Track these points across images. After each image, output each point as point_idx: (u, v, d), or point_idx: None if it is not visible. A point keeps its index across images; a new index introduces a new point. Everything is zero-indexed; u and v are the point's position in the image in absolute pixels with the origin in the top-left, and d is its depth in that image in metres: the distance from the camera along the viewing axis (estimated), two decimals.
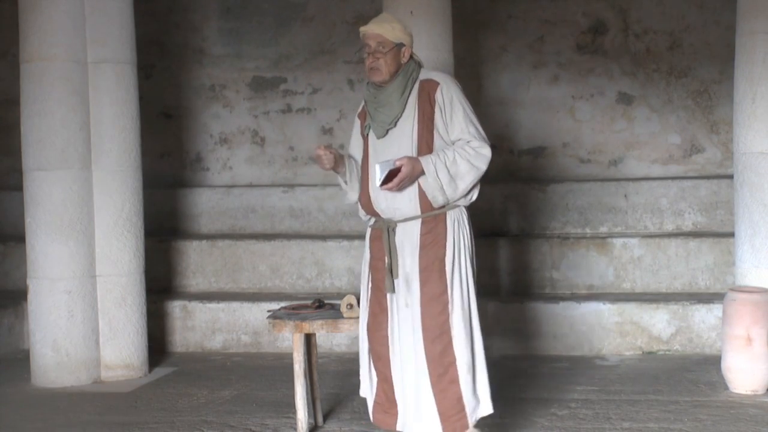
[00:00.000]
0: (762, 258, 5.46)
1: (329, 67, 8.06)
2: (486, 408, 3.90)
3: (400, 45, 3.93)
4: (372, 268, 4.03)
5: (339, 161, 4.02)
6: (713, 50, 7.58)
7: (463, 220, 3.94)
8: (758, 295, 5.17)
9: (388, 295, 3.94)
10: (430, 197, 3.84)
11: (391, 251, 3.90)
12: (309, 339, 4.68)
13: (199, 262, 7.31)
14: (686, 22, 7.66)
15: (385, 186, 3.78)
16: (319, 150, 3.98)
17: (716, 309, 6.04)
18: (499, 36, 7.87)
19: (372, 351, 4.02)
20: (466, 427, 3.84)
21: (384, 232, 3.94)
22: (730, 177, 6.28)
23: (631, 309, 6.28)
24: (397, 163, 3.75)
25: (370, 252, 4.04)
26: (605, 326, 6.28)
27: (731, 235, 6.15)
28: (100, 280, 5.80)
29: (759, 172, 5.48)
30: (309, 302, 4.77)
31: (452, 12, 6.21)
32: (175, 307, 6.79)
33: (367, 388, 4.09)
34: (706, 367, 5.76)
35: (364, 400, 4.20)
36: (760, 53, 5.45)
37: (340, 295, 5.10)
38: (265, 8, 8.12)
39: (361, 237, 7.18)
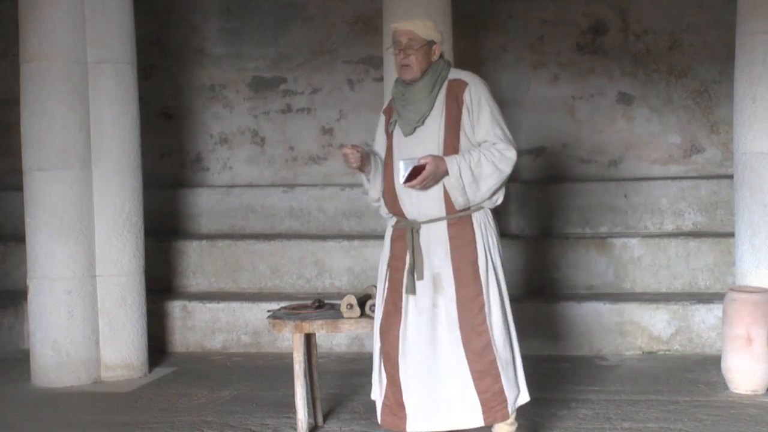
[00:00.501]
0: (762, 258, 5.46)
1: (329, 67, 8.06)
2: (524, 397, 3.96)
3: (431, 42, 3.90)
4: (391, 267, 3.97)
5: (365, 159, 3.96)
6: (713, 50, 7.57)
7: (489, 222, 3.92)
8: (758, 295, 5.17)
9: (404, 296, 3.90)
10: (452, 198, 3.81)
11: (415, 252, 3.87)
12: (309, 339, 4.67)
13: (199, 262, 7.31)
14: (686, 22, 7.65)
15: (408, 183, 3.74)
16: (346, 149, 3.92)
17: (716, 309, 6.04)
18: (499, 36, 7.87)
19: (383, 352, 3.98)
20: (507, 416, 3.89)
21: (408, 232, 3.90)
22: (730, 177, 6.27)
23: (631, 309, 6.28)
24: (422, 161, 3.71)
25: (391, 251, 3.99)
26: (605, 326, 6.28)
27: (731, 235, 6.14)
28: (100, 280, 5.80)
29: (759, 172, 5.47)
30: (309, 302, 4.76)
31: (452, 12, 6.21)
32: (175, 307, 6.79)
33: (377, 390, 4.04)
34: (706, 367, 5.76)
35: (364, 400, 4.18)
36: (760, 53, 5.45)
37: (340, 295, 5.09)
38: (265, 8, 8.12)
39: (362, 237, 7.26)
